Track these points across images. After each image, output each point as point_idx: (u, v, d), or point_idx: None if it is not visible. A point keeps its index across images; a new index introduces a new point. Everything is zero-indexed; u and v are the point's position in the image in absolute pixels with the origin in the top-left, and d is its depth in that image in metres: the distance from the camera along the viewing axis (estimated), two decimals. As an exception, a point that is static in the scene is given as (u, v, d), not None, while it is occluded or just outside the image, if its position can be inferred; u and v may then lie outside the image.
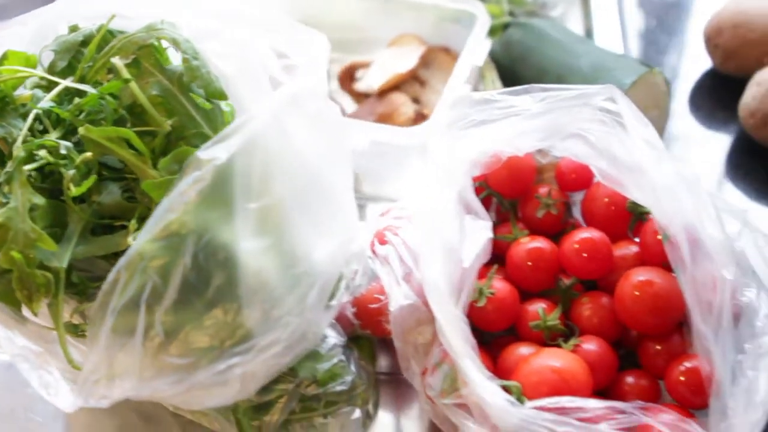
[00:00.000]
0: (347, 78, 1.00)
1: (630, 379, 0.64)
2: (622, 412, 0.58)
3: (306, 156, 0.59)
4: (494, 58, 0.97)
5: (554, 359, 0.59)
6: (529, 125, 0.69)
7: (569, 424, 0.55)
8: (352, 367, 0.69)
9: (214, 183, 0.50)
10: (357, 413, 0.68)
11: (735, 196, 0.93)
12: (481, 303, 0.65)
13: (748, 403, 0.58)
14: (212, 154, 0.50)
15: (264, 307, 0.56)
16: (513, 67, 0.97)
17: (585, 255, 0.67)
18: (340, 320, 0.71)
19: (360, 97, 0.98)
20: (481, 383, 0.58)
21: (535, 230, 0.72)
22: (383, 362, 0.75)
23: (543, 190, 0.74)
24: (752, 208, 0.92)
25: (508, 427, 0.57)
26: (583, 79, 0.86)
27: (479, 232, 0.63)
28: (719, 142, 0.99)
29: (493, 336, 0.70)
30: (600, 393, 0.64)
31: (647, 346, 0.65)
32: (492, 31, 0.94)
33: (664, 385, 0.64)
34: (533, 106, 0.67)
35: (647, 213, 0.68)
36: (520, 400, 0.58)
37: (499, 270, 0.71)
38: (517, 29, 0.98)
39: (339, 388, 0.68)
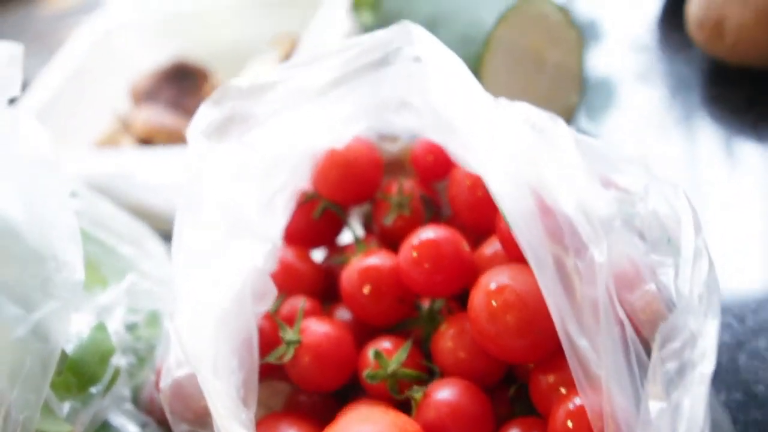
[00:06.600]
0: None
1: (514, 432, 0.44)
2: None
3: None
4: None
5: (351, 433, 0.40)
6: (342, 105, 0.51)
7: None
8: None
9: None
10: None
11: (708, 134, 0.71)
12: (288, 356, 0.47)
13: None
14: None
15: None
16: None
17: (427, 265, 0.47)
18: (153, 406, 0.54)
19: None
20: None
21: (392, 244, 0.53)
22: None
23: (393, 188, 0.54)
24: (731, 148, 0.69)
25: None
26: (452, 26, 0.66)
27: (244, 262, 0.45)
28: (677, 70, 0.77)
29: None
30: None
31: (536, 380, 0.44)
32: (358, 4, 0.75)
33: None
34: (326, 77, 0.49)
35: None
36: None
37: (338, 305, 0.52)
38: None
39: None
